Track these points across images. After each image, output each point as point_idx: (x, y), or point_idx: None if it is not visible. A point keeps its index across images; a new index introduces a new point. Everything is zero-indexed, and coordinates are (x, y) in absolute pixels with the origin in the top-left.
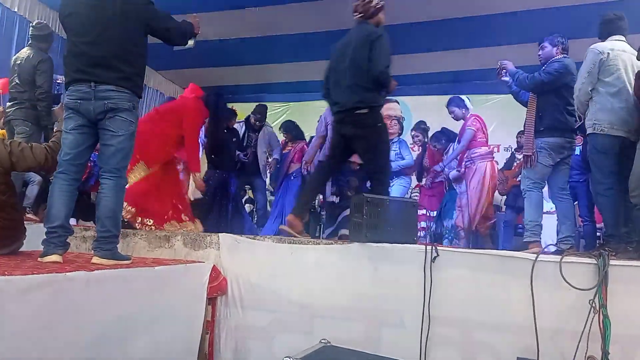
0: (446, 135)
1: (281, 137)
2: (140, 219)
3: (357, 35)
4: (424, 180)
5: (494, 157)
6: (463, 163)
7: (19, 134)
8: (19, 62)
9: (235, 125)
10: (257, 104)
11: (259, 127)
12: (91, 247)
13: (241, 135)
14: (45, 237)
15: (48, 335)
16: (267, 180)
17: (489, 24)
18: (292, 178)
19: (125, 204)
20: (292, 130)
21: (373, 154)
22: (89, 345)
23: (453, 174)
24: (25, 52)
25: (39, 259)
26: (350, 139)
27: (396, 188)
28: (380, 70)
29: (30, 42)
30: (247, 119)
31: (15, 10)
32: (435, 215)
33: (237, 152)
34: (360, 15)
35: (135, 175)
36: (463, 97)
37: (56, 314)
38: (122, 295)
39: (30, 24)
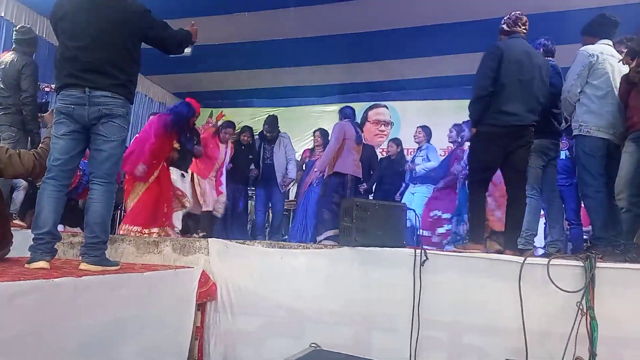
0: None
1: (307, 144)
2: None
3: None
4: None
5: None
6: None
7: (5, 140)
8: (3, 66)
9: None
10: (248, 108)
11: (272, 137)
12: (79, 253)
13: (257, 148)
14: (32, 243)
15: (36, 342)
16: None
17: (477, 30)
18: (314, 185)
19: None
20: (325, 136)
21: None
22: (77, 351)
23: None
24: (9, 56)
25: (26, 266)
26: (512, 154)
27: (418, 197)
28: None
29: (14, 46)
30: (261, 132)
31: (2, 15)
32: (452, 217)
33: (251, 167)
34: (524, 29)
35: (137, 194)
36: None
37: (44, 321)
38: (110, 302)
39: (14, 28)
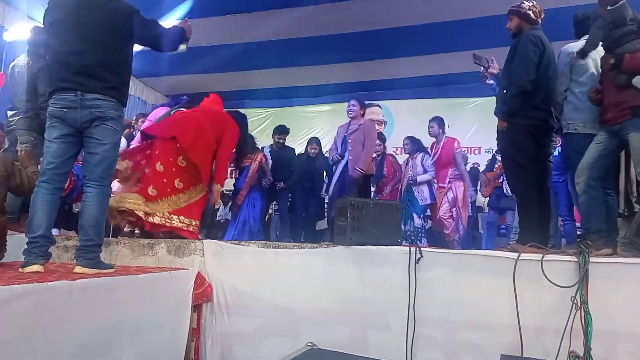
0: (416, 144)
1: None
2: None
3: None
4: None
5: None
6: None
7: (22, 144)
8: (17, 69)
9: None
10: (240, 109)
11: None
12: (73, 257)
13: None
14: (26, 247)
15: (30, 346)
16: None
17: (469, 28)
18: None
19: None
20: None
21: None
22: (72, 355)
23: (423, 177)
24: (23, 59)
25: (20, 270)
26: (542, 147)
27: None
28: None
29: (27, 47)
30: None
31: None
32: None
33: None
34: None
35: (197, 194)
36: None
37: (38, 325)
38: (105, 305)
39: (29, 30)
